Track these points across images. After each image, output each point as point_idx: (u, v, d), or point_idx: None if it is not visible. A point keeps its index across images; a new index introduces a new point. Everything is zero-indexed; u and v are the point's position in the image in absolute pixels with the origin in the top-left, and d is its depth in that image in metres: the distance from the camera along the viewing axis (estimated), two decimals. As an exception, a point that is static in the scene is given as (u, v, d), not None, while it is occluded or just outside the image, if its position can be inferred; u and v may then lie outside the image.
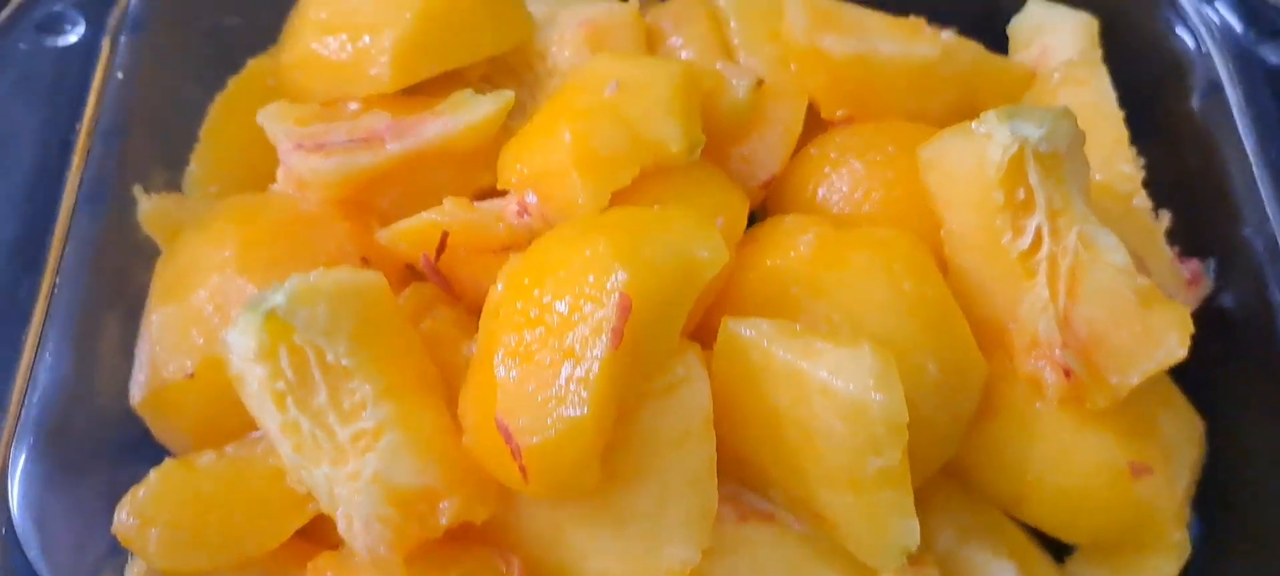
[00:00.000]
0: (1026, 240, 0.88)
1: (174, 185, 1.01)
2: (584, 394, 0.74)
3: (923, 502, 0.80)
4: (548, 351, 0.76)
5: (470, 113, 0.96)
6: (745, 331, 0.81)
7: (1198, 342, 0.85)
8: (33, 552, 0.80)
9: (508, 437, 0.75)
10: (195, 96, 1.04)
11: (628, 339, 0.74)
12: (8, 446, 0.82)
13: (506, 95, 0.96)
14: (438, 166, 0.96)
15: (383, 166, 0.94)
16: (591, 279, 0.76)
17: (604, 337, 0.74)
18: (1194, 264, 1.00)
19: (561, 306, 0.76)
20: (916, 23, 1.08)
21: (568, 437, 0.74)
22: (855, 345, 0.77)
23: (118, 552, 0.84)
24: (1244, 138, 1.01)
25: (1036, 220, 0.87)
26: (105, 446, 0.91)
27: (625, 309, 0.74)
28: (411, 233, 0.90)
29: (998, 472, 0.90)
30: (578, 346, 0.75)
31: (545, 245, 0.83)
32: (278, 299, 0.77)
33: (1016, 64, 1.12)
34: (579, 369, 0.74)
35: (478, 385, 0.80)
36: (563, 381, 0.74)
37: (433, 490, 0.77)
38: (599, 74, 0.94)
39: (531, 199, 0.90)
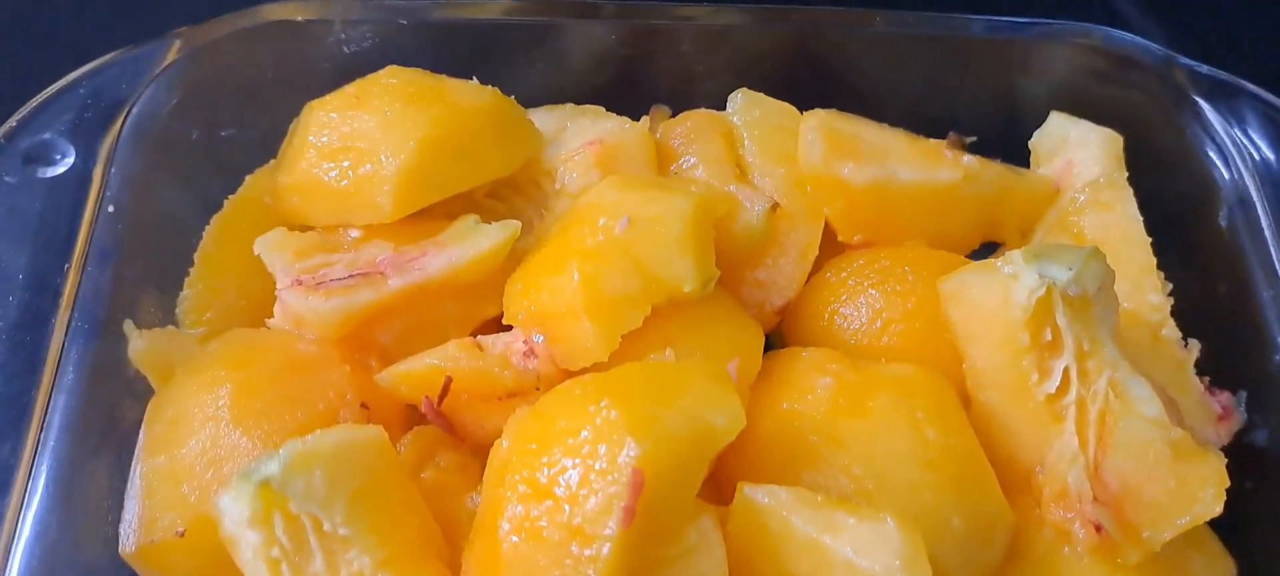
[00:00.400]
0: (1054, 383, 0.85)
1: (168, 310, 0.98)
2: (594, 573, 0.70)
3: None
4: (556, 528, 0.72)
5: (474, 245, 0.92)
6: (763, 498, 0.77)
7: (1229, 478, 0.82)
8: None
9: (515, 616, 0.72)
10: (190, 215, 1.01)
11: (640, 512, 0.71)
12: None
13: (513, 225, 0.93)
14: (441, 299, 0.93)
15: (384, 303, 0.91)
16: (603, 450, 0.72)
17: (615, 516, 0.70)
18: (1225, 397, 0.96)
19: (570, 479, 0.73)
20: (936, 146, 1.05)
21: (577, 621, 0.70)
22: (878, 520, 0.74)
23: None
24: (1275, 259, 0.98)
25: (1064, 362, 0.85)
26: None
27: (638, 485, 0.71)
28: (412, 376, 0.87)
29: (1026, 619, 0.87)
30: (587, 526, 0.71)
31: (552, 403, 0.80)
32: (272, 468, 0.74)
33: (1039, 179, 1.09)
34: (588, 549, 0.71)
35: (481, 553, 0.77)
36: (571, 563, 0.71)
37: (433, 664, 0.74)
38: (609, 206, 0.91)
39: (538, 339, 0.87)
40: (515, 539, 0.74)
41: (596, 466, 0.72)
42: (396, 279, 0.91)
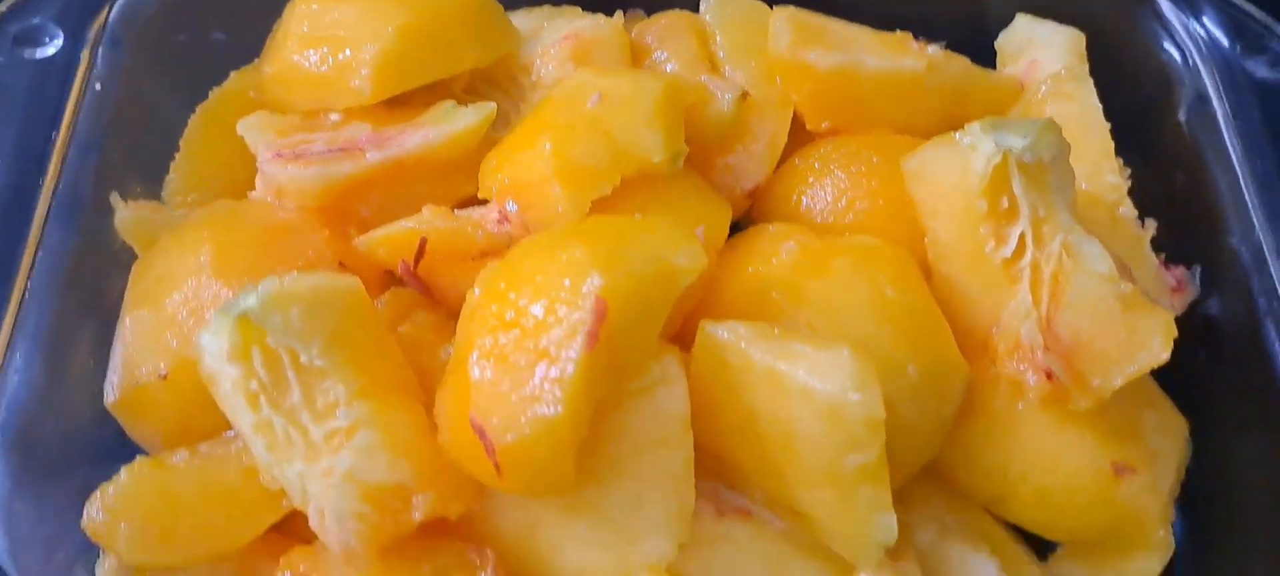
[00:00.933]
0: (1010, 248, 0.88)
1: (153, 197, 1.01)
2: (558, 393, 0.73)
3: (904, 502, 0.80)
4: (522, 353, 0.75)
5: (452, 124, 0.95)
6: (723, 334, 0.80)
7: (1182, 349, 0.85)
8: (0, 553, 0.79)
9: (482, 436, 0.74)
10: (175, 109, 1.04)
11: (603, 341, 0.74)
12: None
13: (489, 107, 0.96)
14: (418, 176, 0.96)
15: (362, 175, 0.93)
16: (567, 283, 0.75)
17: (579, 340, 0.73)
18: (1179, 271, 1.00)
19: (537, 309, 0.76)
20: (903, 37, 1.08)
21: (542, 436, 0.73)
22: (833, 348, 0.76)
23: (89, 551, 0.84)
24: (1231, 149, 1.01)
25: (1020, 228, 0.87)
26: (78, 449, 0.90)
27: (601, 313, 0.73)
28: (389, 240, 0.90)
29: (980, 473, 0.90)
30: (552, 348, 0.74)
31: (522, 251, 0.83)
32: (250, 302, 0.76)
33: (1004, 77, 1.12)
34: (553, 369, 0.74)
35: (453, 386, 0.80)
36: (537, 381, 0.74)
37: (406, 486, 0.77)
38: (581, 86, 0.94)
39: (512, 208, 0.90)
40: (485, 365, 0.76)
41: (562, 296, 0.75)
42: (375, 153, 0.94)
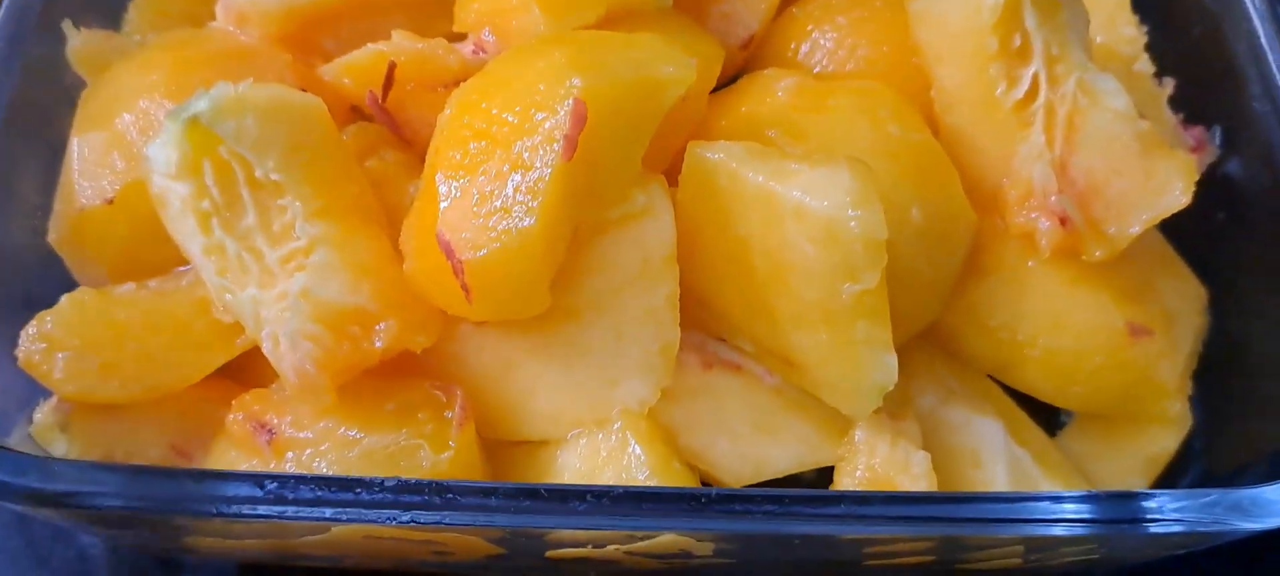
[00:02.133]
0: (1022, 90, 0.82)
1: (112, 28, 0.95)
2: (533, 204, 0.68)
3: (904, 365, 0.74)
4: (494, 162, 0.70)
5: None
6: (712, 155, 0.74)
7: (1201, 212, 0.81)
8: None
9: (449, 253, 0.69)
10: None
11: (582, 152, 0.69)
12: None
13: None
14: (390, 11, 0.91)
15: (329, 2, 0.87)
16: (543, 87, 0.70)
17: (556, 145, 0.68)
18: (1198, 131, 0.94)
19: (511, 116, 0.71)
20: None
21: (514, 250, 0.68)
22: (831, 164, 0.71)
23: (33, 398, 0.79)
24: (1250, 4, 0.95)
25: (1033, 68, 0.82)
26: (20, 292, 0.84)
27: (580, 117, 0.68)
28: (356, 66, 0.84)
29: (986, 335, 0.85)
30: (527, 154, 0.69)
31: (498, 61, 0.77)
32: (201, 105, 0.71)
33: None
34: (528, 178, 0.68)
35: (420, 208, 0.75)
36: (510, 192, 0.69)
37: (367, 311, 0.72)
38: (565, -85, 0.88)
39: (488, 37, 0.84)
40: (453, 180, 0.71)
41: (538, 100, 0.70)
42: None
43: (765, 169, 0.72)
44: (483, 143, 0.71)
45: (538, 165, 0.68)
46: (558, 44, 0.73)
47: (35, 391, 0.78)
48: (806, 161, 0.72)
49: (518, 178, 0.68)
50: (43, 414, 0.78)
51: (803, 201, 0.70)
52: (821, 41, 0.93)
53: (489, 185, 0.69)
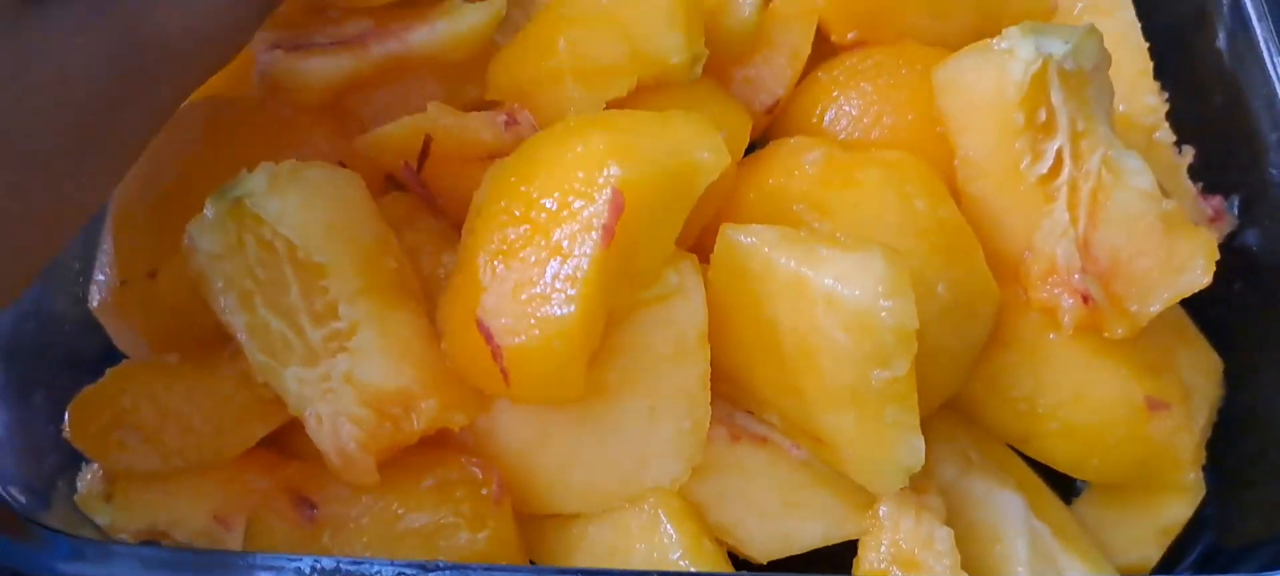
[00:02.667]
0: (1046, 164, 0.84)
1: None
2: (571, 292, 0.70)
3: (926, 435, 0.75)
4: (533, 248, 0.72)
5: (458, 21, 0.90)
6: (745, 238, 0.76)
7: (1218, 281, 0.82)
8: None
9: (489, 338, 0.71)
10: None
11: (619, 239, 0.70)
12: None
13: (497, 3, 0.91)
14: (423, 76, 0.92)
15: (364, 70, 0.89)
16: (582, 174, 0.72)
17: (594, 234, 0.70)
18: (1217, 200, 0.96)
19: (550, 202, 0.72)
20: (934, -59, 1.03)
21: (553, 338, 0.70)
22: (863, 250, 0.72)
23: (72, 465, 0.81)
24: (1273, 76, 0.97)
25: (1058, 143, 0.83)
26: (63, 358, 0.87)
27: (618, 205, 0.70)
28: (393, 137, 0.85)
29: (1007, 406, 0.86)
30: (566, 243, 0.70)
31: (535, 143, 0.79)
32: (247, 186, 0.73)
33: (1039, -10, 1.07)
34: (567, 266, 0.70)
35: (458, 287, 0.76)
36: (549, 279, 0.70)
37: (408, 391, 0.73)
38: (596, -17, 0.89)
39: (522, 112, 0.86)
40: (495, 265, 0.73)
41: (577, 188, 0.71)
42: (378, 47, 0.90)
43: (798, 254, 0.73)
44: (522, 228, 0.72)
45: (576, 253, 0.70)
46: (594, 127, 0.75)
47: (76, 455, 0.80)
48: (839, 247, 0.73)
49: (556, 265, 0.70)
50: (87, 483, 0.80)
51: (835, 289, 0.71)
52: (846, 108, 0.94)
53: (528, 272, 0.71)
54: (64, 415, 0.79)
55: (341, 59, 0.89)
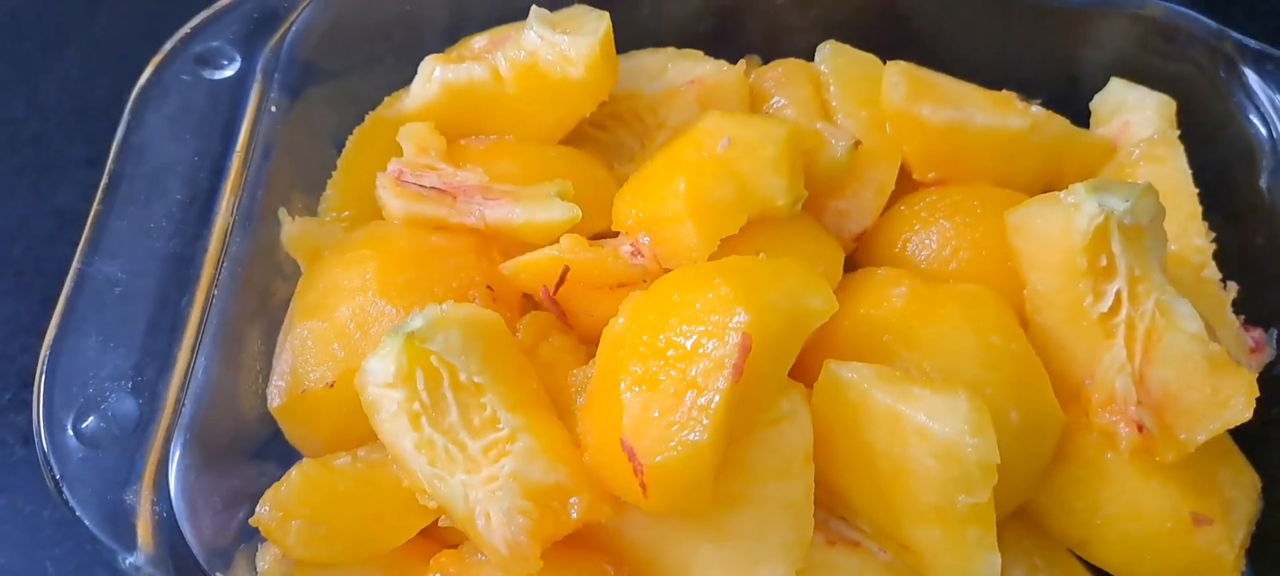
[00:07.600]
0: (1106, 304, 0.94)
1: (310, 209, 1.09)
2: (705, 421, 0.81)
3: (999, 542, 0.86)
4: (672, 381, 0.83)
5: (537, 212, 1.00)
6: (847, 374, 0.87)
7: (1258, 406, 0.91)
8: (187, 532, 0.87)
9: (631, 456, 0.82)
10: (335, 127, 1.12)
11: (744, 374, 0.81)
12: (166, 441, 0.88)
13: (575, 212, 0.99)
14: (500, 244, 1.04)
15: (444, 223, 1.02)
16: (715, 318, 0.83)
17: (726, 372, 0.81)
18: (1258, 333, 1.05)
19: (686, 341, 0.83)
20: (1007, 96, 1.15)
21: (688, 459, 0.81)
22: (952, 392, 0.84)
23: (251, 536, 0.92)
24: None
25: (1117, 286, 0.93)
26: (243, 444, 0.98)
27: (746, 347, 0.81)
28: (534, 266, 0.98)
29: (1069, 515, 0.96)
30: (701, 378, 0.82)
31: (668, 284, 0.90)
32: (417, 323, 0.85)
33: (1099, 137, 1.18)
34: (702, 398, 0.81)
35: (600, 406, 0.88)
36: (685, 409, 0.81)
37: (564, 487, 0.85)
38: (712, 130, 1.02)
39: (645, 241, 0.98)
40: (636, 391, 0.84)
41: (710, 330, 0.83)
42: (458, 213, 1.02)
43: (893, 392, 0.85)
44: (659, 361, 0.84)
45: (709, 387, 0.81)
46: (721, 275, 0.86)
47: (251, 532, 0.91)
48: (929, 386, 0.85)
49: (692, 396, 0.81)
50: (267, 564, 0.91)
51: (927, 425, 0.83)
52: (926, 240, 1.06)
53: (668, 401, 0.82)
54: (243, 492, 0.91)
55: (427, 207, 1.02)
